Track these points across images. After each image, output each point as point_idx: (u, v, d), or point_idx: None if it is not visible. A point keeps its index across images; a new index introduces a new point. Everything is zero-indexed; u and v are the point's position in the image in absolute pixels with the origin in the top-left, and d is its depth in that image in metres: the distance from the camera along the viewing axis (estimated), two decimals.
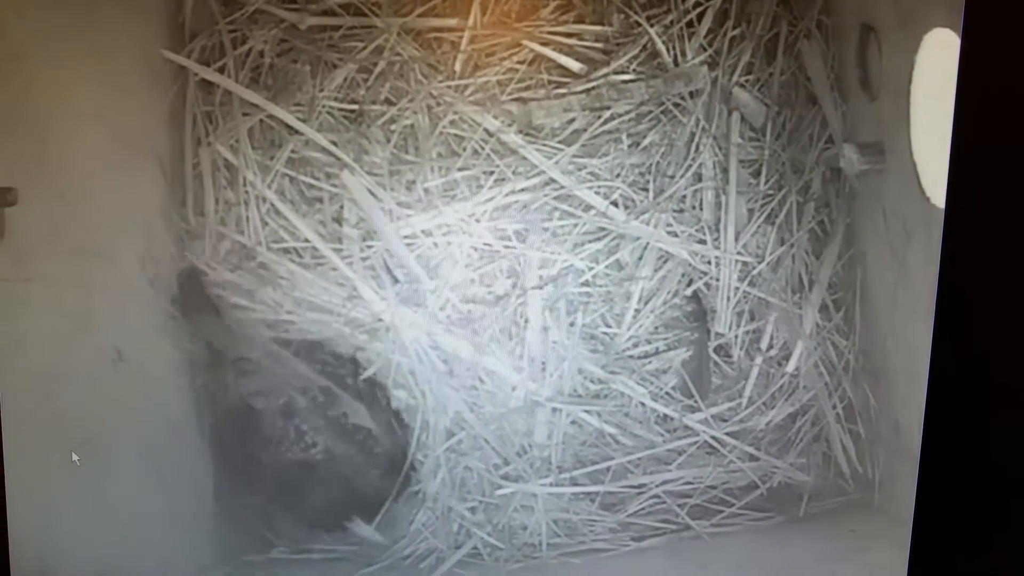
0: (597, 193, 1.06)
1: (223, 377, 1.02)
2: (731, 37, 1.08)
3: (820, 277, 1.09)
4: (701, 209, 1.09)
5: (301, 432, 1.02)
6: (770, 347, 1.09)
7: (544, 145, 1.06)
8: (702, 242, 1.08)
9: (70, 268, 0.85)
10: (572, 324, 1.06)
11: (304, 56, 1.05)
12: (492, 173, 1.05)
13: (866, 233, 1.07)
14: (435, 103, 1.05)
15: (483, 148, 1.05)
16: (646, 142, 1.08)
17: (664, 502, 1.04)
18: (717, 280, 1.08)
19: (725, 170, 1.08)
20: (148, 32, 1.01)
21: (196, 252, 1.03)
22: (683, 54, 1.07)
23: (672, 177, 1.08)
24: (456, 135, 1.06)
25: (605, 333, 1.08)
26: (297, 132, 1.04)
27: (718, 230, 1.08)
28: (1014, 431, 0.76)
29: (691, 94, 1.08)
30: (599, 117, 1.07)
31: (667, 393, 1.08)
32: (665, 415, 1.07)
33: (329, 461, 1.03)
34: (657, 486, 1.05)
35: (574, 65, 1.07)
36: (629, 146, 1.08)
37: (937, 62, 0.86)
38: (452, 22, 1.05)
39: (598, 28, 1.07)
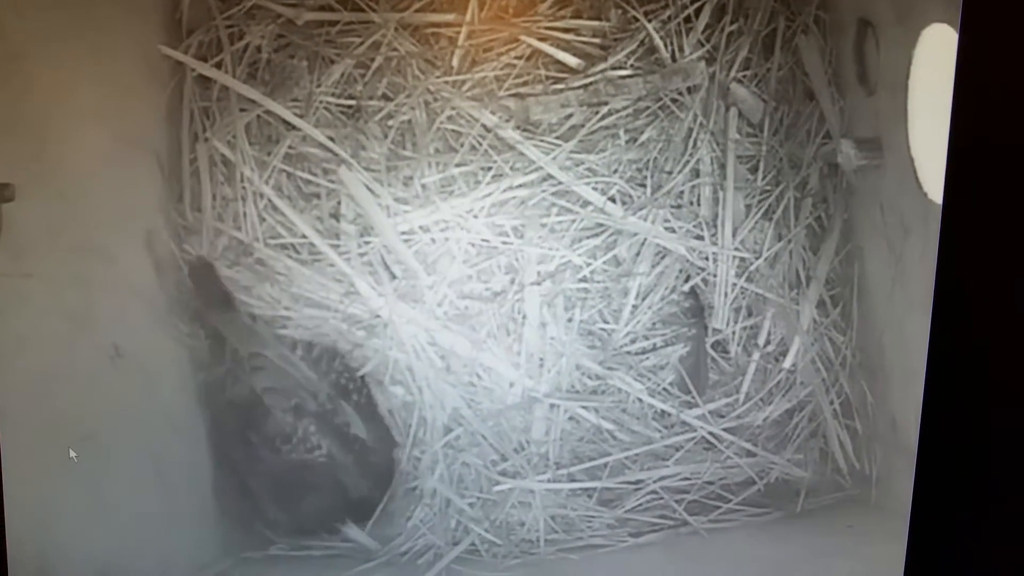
0: (595, 189, 1.06)
1: (226, 374, 1.02)
2: (729, 33, 1.08)
3: (817, 273, 1.09)
4: (698, 205, 1.09)
5: (298, 429, 1.02)
6: (767, 343, 1.09)
7: (542, 141, 1.06)
8: (699, 238, 1.08)
9: (68, 264, 0.85)
10: (570, 320, 1.06)
11: (301, 52, 1.05)
12: (490, 169, 1.05)
13: (863, 229, 1.07)
14: (432, 99, 1.05)
15: (481, 144, 1.05)
16: (644, 138, 1.08)
17: (661, 498, 1.04)
18: (714, 276, 1.08)
19: (723, 166, 1.08)
20: (146, 29, 1.01)
21: (194, 248, 1.03)
22: (681, 50, 1.07)
23: (670, 173, 1.08)
24: (454, 131, 1.06)
25: (603, 329, 1.08)
26: (294, 128, 1.04)
27: (715, 226, 1.08)
28: (1011, 426, 0.76)
29: (689, 90, 1.08)
30: (597, 113, 1.07)
31: (664, 389, 1.08)
32: (662, 411, 1.07)
33: (329, 460, 1.03)
34: (654, 482, 1.05)
35: (572, 61, 1.07)
36: (627, 142, 1.08)
37: (935, 57, 0.86)
38: (449, 17, 1.05)
39: (596, 23, 1.07)
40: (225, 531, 1.01)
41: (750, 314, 1.10)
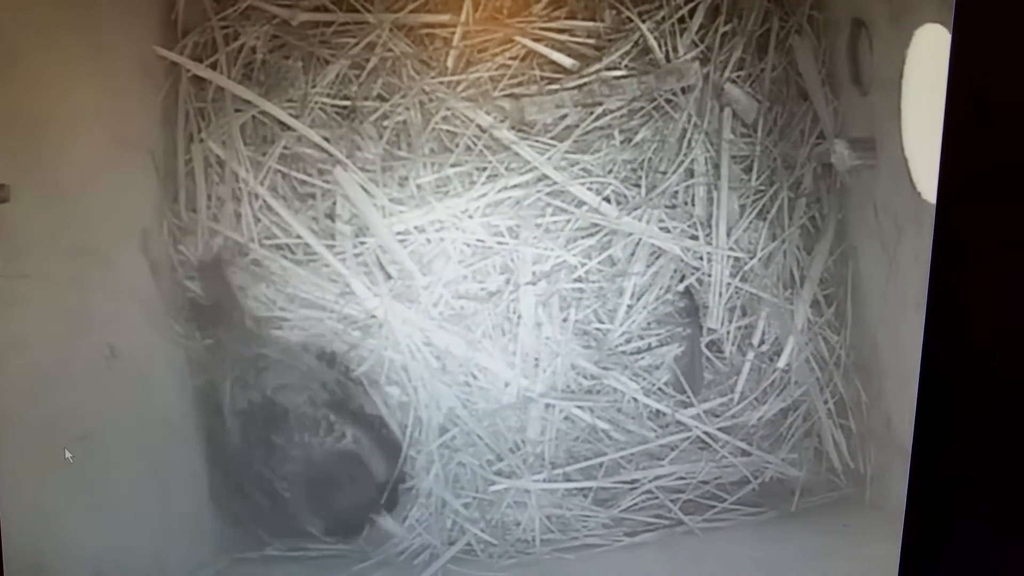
0: (589, 189, 1.06)
1: (234, 382, 1.02)
2: (723, 33, 1.08)
3: (812, 272, 1.09)
4: (693, 205, 1.09)
5: (319, 421, 1.02)
6: (762, 342, 1.10)
7: (536, 141, 1.06)
8: (694, 238, 1.08)
9: (64, 264, 0.85)
10: (565, 320, 1.07)
11: (296, 52, 1.05)
12: (485, 169, 1.05)
13: (857, 228, 1.07)
14: (427, 99, 1.05)
15: (476, 144, 1.05)
16: (638, 138, 1.08)
17: (657, 497, 1.04)
18: (709, 276, 1.08)
19: (717, 166, 1.09)
20: (142, 30, 1.01)
21: (189, 248, 1.03)
22: (675, 50, 1.08)
23: (664, 173, 1.08)
24: (449, 131, 1.06)
25: (598, 329, 1.08)
26: (289, 128, 1.04)
27: (710, 226, 1.08)
28: (1004, 425, 0.77)
29: (683, 90, 1.08)
30: (591, 113, 1.07)
31: (659, 389, 1.08)
32: (657, 411, 1.07)
33: (356, 445, 1.03)
34: (650, 481, 1.05)
35: (566, 61, 1.07)
36: (621, 142, 1.08)
37: (928, 57, 0.86)
38: (444, 18, 1.05)
39: (590, 24, 1.07)
40: (221, 531, 1.01)
41: (745, 314, 1.10)
